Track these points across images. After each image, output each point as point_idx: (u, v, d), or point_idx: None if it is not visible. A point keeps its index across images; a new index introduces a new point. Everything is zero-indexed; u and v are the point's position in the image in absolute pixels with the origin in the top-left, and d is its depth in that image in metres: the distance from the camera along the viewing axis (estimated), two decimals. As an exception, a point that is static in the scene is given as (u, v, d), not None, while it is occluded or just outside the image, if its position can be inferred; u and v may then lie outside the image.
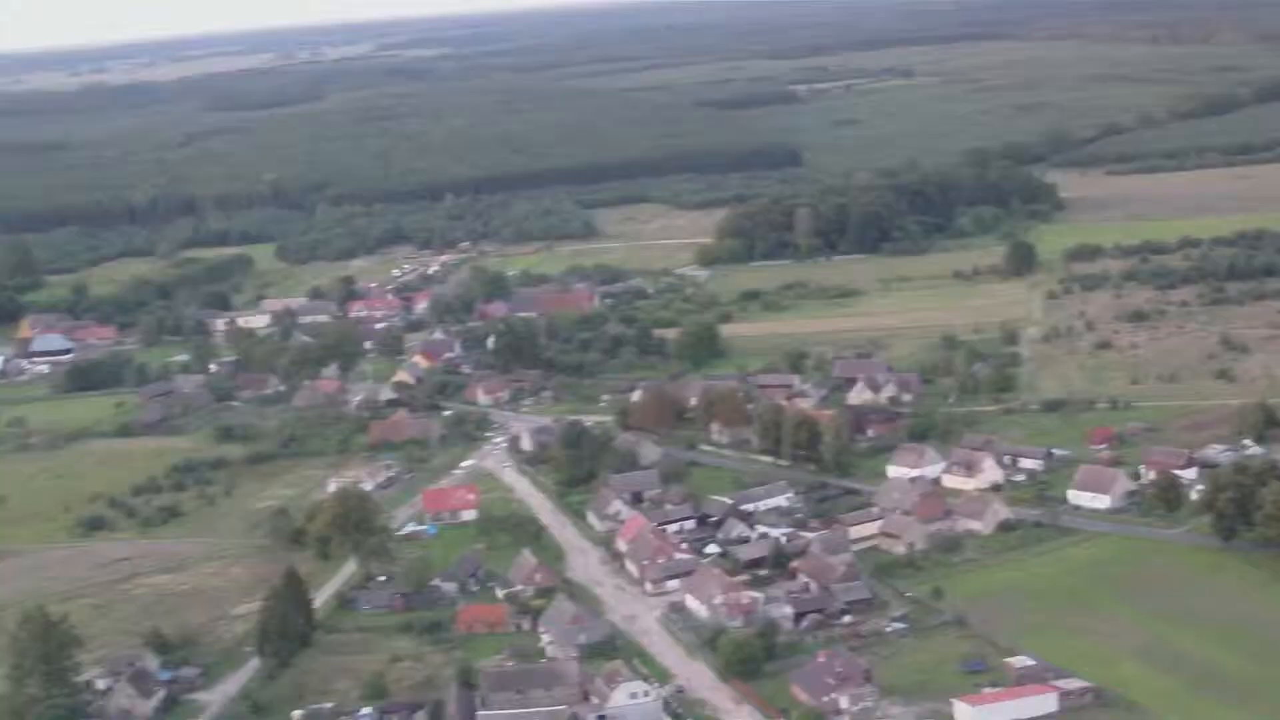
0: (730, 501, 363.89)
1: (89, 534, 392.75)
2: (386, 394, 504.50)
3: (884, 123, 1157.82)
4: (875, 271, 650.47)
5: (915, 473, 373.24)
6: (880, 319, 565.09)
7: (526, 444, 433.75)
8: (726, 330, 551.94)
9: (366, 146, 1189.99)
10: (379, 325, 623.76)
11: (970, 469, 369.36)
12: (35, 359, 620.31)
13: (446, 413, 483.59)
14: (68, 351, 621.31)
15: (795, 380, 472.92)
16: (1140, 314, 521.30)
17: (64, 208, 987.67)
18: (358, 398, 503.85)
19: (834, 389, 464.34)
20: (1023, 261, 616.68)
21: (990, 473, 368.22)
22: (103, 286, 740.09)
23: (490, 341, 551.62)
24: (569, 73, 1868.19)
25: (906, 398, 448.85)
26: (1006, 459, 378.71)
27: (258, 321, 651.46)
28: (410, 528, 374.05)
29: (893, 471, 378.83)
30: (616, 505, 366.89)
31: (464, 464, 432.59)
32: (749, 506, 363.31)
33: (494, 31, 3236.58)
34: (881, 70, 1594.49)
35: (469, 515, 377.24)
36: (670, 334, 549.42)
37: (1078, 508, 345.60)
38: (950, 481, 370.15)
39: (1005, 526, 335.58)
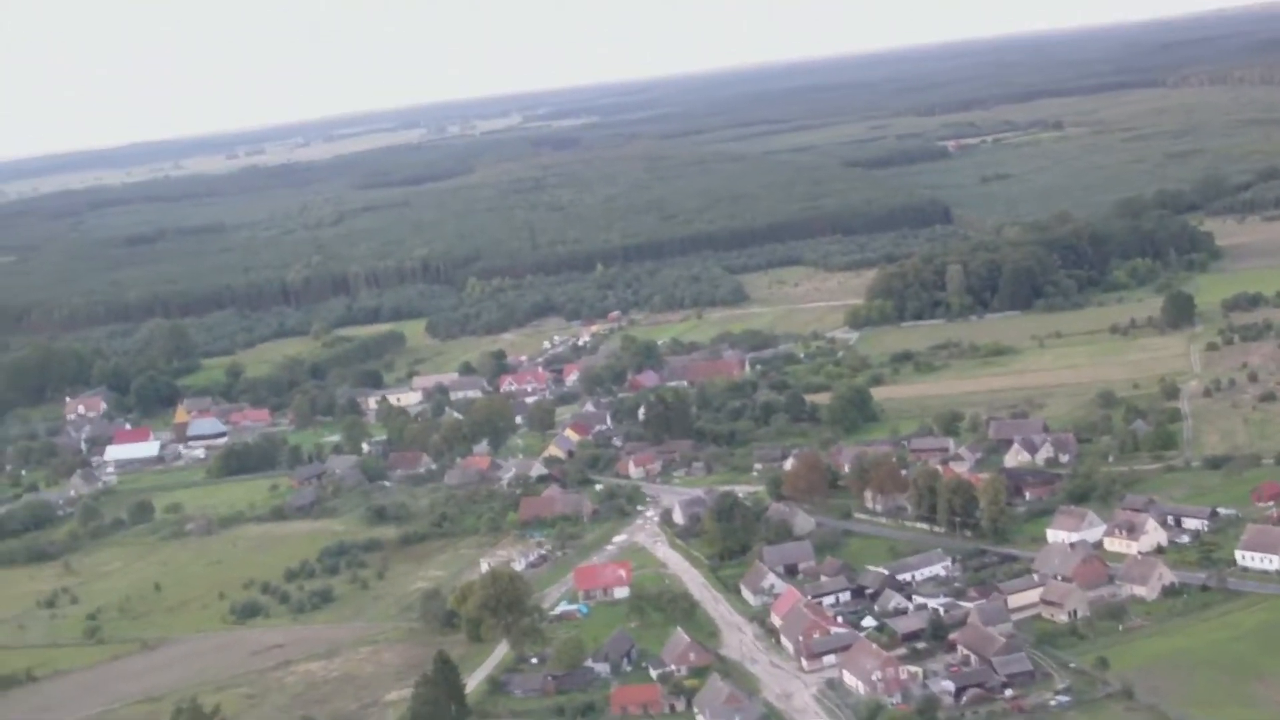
0: (886, 572, 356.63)
1: (243, 621, 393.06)
2: (538, 469, 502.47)
3: (1034, 176, 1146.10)
4: (1028, 328, 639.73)
5: (1075, 537, 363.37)
6: (1035, 377, 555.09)
7: (678, 517, 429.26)
8: (878, 394, 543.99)
9: (515, 218, 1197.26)
10: (530, 399, 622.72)
11: (1132, 531, 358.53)
12: (191, 443, 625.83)
13: (598, 487, 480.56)
14: (222, 435, 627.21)
15: (950, 444, 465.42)
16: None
17: (220, 290, 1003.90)
18: (509, 474, 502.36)
19: (989, 451, 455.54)
20: (1180, 313, 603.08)
21: (1153, 535, 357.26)
22: (257, 368, 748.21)
23: (641, 413, 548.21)
24: (713, 137, 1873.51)
25: (1064, 458, 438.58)
26: (1170, 520, 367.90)
27: (409, 399, 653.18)
28: (562, 607, 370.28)
29: (1052, 536, 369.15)
30: (770, 579, 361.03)
31: (616, 539, 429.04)
32: (905, 576, 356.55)
33: (637, 100, 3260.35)
34: (1030, 123, 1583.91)
35: (621, 593, 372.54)
36: (822, 399, 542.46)
37: (1246, 569, 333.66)
38: (1112, 545, 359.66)
39: (1171, 591, 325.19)
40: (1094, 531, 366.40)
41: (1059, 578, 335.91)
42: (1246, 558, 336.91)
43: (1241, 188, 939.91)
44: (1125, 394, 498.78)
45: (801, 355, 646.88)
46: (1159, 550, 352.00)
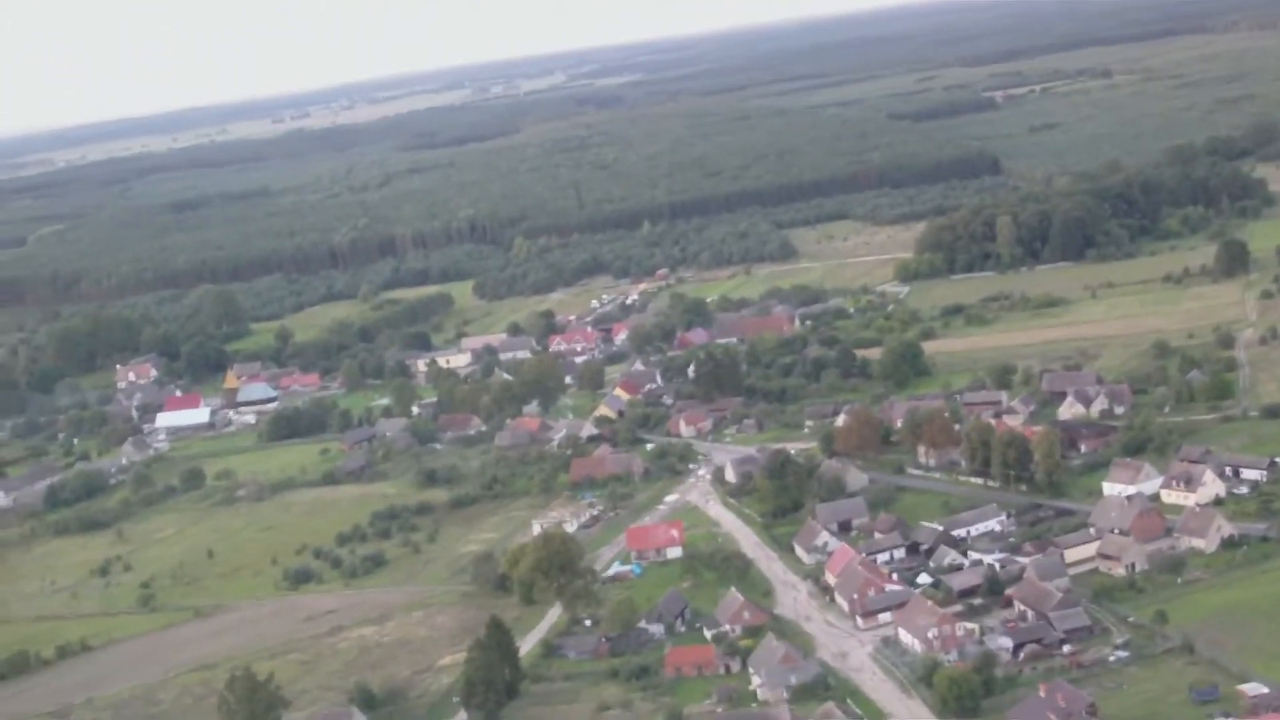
0: (941, 528, 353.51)
1: (295, 587, 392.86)
2: (588, 429, 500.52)
3: (1083, 125, 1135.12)
4: (1081, 279, 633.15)
5: (1132, 489, 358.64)
6: (1088, 328, 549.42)
7: (730, 475, 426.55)
8: (930, 347, 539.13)
9: (561, 178, 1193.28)
10: (579, 359, 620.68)
11: (1190, 483, 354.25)
12: (241, 409, 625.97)
13: (649, 446, 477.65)
14: (273, 400, 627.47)
15: (1003, 397, 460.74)
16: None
17: (268, 254, 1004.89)
18: (559, 435, 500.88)
19: (1043, 404, 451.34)
20: (1235, 261, 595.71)
21: (1211, 486, 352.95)
22: (306, 332, 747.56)
23: (691, 370, 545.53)
24: (757, 93, 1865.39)
25: (1119, 410, 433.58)
26: (1228, 471, 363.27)
27: (458, 360, 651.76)
28: (615, 568, 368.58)
29: (1108, 489, 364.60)
30: (824, 536, 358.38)
31: (668, 499, 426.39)
32: (960, 532, 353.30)
33: (680, 56, 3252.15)
34: (1078, 71, 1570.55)
35: (674, 553, 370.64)
36: (873, 354, 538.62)
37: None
38: (1169, 497, 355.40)
39: (1230, 543, 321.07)
40: (1151, 484, 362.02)
41: (1116, 531, 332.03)
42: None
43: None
44: (1179, 344, 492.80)
45: (851, 310, 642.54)
46: (1217, 502, 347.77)
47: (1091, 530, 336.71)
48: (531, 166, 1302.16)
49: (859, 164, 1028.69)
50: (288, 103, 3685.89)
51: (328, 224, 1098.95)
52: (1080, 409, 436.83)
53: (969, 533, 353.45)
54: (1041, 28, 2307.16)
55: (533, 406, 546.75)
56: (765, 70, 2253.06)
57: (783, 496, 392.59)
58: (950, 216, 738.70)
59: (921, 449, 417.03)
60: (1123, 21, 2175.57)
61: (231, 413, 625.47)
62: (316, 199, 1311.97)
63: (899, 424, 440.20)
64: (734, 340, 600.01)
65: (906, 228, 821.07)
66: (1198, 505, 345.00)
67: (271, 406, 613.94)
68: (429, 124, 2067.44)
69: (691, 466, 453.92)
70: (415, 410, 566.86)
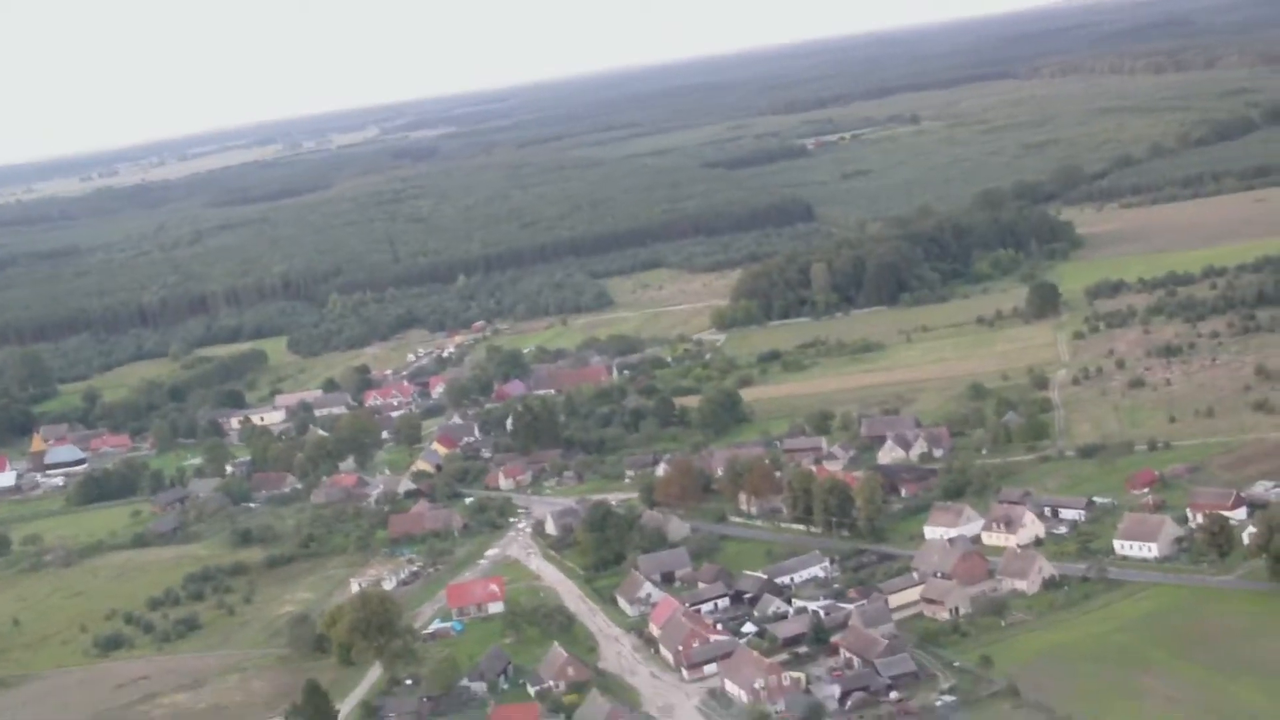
0: (764, 576, 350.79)
1: (106, 654, 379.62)
2: (406, 485, 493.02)
3: (894, 171, 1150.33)
4: (895, 322, 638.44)
5: (953, 532, 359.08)
6: (903, 372, 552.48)
7: (551, 528, 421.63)
8: (748, 395, 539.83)
9: (375, 231, 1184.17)
10: (395, 413, 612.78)
11: (1010, 525, 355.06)
12: (49, 472, 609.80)
13: (468, 500, 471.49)
14: (81, 462, 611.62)
15: (822, 443, 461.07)
16: (1171, 349, 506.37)
17: (76, 314, 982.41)
18: (376, 491, 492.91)
19: (862, 449, 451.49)
20: (1045, 303, 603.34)
21: (1031, 527, 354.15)
22: (115, 392, 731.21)
23: (509, 423, 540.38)
24: (572, 143, 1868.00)
25: (938, 453, 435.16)
26: (1047, 511, 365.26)
27: (273, 418, 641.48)
28: (435, 626, 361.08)
29: (930, 532, 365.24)
30: (647, 588, 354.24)
31: (488, 553, 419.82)
32: (784, 579, 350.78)
33: (496, 108, 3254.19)
34: (888, 118, 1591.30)
35: (495, 608, 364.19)
36: (691, 403, 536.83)
37: (1125, 558, 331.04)
38: (990, 539, 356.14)
39: (1051, 584, 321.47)
40: (972, 526, 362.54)
41: (939, 575, 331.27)
42: (1125, 546, 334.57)
43: (1097, 176, 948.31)
44: (995, 385, 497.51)
45: (669, 359, 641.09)
46: (1037, 542, 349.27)
47: (915, 575, 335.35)
48: (346, 221, 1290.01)
49: (673, 212, 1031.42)
50: (96, 160, 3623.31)
51: (138, 282, 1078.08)
52: (900, 453, 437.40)
53: (793, 580, 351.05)
54: (852, 76, 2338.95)
55: (349, 463, 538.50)
56: (581, 121, 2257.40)
57: (604, 549, 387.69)
58: (765, 264, 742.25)
59: (743, 497, 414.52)
60: (932, 68, 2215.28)
61: (39, 476, 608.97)
62: (126, 257, 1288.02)
63: (719, 472, 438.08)
64: (552, 391, 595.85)
65: (721, 275, 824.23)
66: (1018, 546, 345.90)
67: (80, 469, 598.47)
68: (241, 180, 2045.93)
69: (511, 520, 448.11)
70: (229, 469, 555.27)
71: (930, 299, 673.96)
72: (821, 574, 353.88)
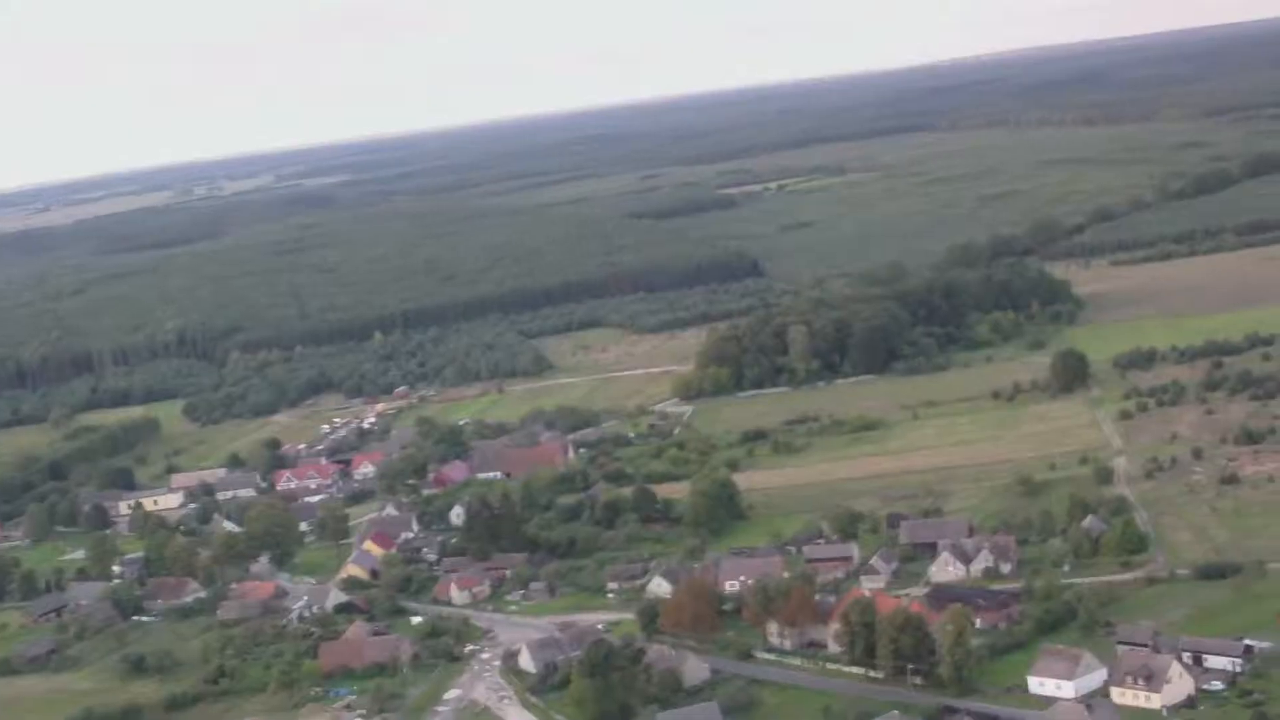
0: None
1: None
2: (336, 597, 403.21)
3: (837, 223, 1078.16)
4: (891, 395, 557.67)
5: (1071, 687, 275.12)
6: (921, 458, 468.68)
7: (528, 663, 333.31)
8: (737, 482, 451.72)
9: (278, 284, 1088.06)
10: (314, 498, 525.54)
11: (1151, 680, 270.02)
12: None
13: (416, 620, 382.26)
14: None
15: (854, 551, 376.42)
16: (1251, 434, 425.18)
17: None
18: (299, 604, 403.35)
19: (904, 559, 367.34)
20: (1073, 375, 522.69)
21: (1179, 683, 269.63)
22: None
23: (456, 516, 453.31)
24: (479, 192, 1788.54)
25: (1005, 568, 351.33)
26: (1186, 657, 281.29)
27: (168, 502, 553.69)
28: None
29: (1036, 685, 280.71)
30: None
31: (448, 696, 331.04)
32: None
33: (391, 156, 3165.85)
34: (811, 169, 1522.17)
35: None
36: (671, 491, 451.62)
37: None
38: (1123, 698, 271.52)
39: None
40: (1094, 678, 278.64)
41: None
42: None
43: (1075, 230, 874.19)
44: (1044, 476, 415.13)
45: (631, 435, 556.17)
46: (1190, 704, 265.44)
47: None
48: (244, 271, 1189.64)
49: (608, 265, 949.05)
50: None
51: (15, 337, 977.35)
52: (958, 568, 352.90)
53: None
54: (759, 127, 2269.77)
55: (263, 565, 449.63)
56: (484, 170, 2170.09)
57: (606, 699, 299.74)
58: (735, 326, 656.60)
59: (773, 626, 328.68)
60: (844, 121, 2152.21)
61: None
62: (4, 308, 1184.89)
63: (728, 587, 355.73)
64: (499, 475, 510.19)
65: (672, 336, 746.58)
66: (1165, 710, 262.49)
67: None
68: (130, 227, 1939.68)
69: (472, 648, 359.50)
70: (117, 570, 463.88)
71: (927, 368, 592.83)
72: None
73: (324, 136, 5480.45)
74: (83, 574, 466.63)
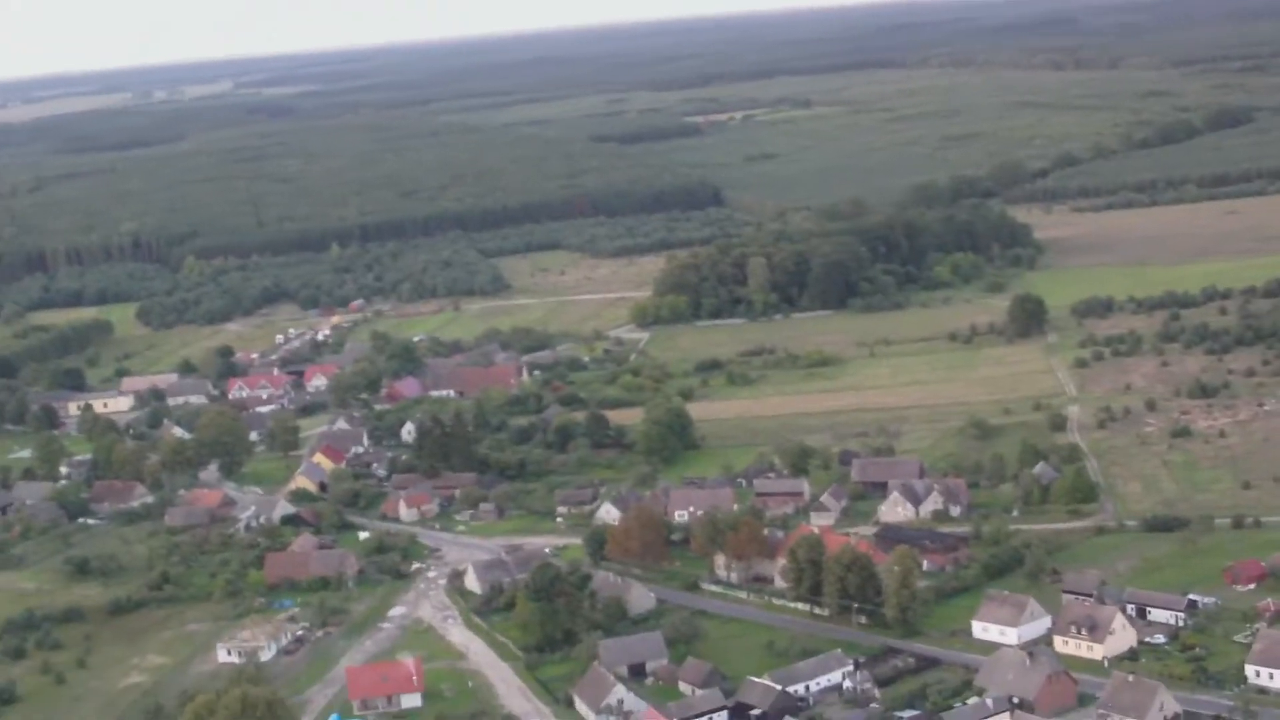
0: (778, 687, 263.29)
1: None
2: (283, 508, 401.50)
3: (802, 156, 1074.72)
4: (847, 331, 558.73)
5: (1014, 633, 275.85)
6: (875, 396, 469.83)
7: (474, 583, 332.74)
8: (691, 412, 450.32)
9: (237, 191, 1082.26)
10: (265, 408, 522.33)
11: (1095, 630, 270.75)
12: None
13: (363, 535, 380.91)
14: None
15: (804, 486, 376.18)
16: (1206, 388, 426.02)
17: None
18: (247, 513, 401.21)
19: (855, 498, 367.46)
20: (1030, 320, 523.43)
21: (1122, 634, 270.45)
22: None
23: (407, 433, 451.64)
24: (441, 108, 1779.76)
25: (954, 511, 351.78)
26: (1130, 609, 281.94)
27: (118, 405, 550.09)
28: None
29: (980, 630, 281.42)
30: (618, 691, 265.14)
31: (392, 613, 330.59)
32: (797, 687, 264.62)
33: (354, 68, 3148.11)
34: (777, 100, 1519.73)
35: (410, 701, 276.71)
36: (625, 417, 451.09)
37: (1264, 690, 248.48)
38: (1066, 647, 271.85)
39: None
40: (1038, 626, 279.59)
41: (1015, 700, 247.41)
42: (1262, 675, 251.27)
43: (1039, 174, 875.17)
44: (997, 421, 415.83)
45: (586, 359, 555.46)
46: (1132, 655, 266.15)
47: (988, 702, 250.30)
48: (203, 177, 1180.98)
49: (570, 188, 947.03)
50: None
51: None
52: (908, 509, 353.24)
53: (809, 690, 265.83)
54: (727, 55, 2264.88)
55: (211, 472, 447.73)
56: (446, 86, 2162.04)
57: (550, 623, 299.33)
58: (695, 254, 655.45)
59: (720, 559, 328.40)
60: (811, 53, 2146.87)
61: None
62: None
63: (677, 517, 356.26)
64: (452, 394, 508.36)
65: (630, 262, 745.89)
66: (1107, 660, 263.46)
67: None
68: (87, 127, 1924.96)
69: (418, 565, 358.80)
70: (64, 471, 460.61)
71: (885, 306, 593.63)
72: (845, 681, 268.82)
73: (286, 46, 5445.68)
74: (30, 473, 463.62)
